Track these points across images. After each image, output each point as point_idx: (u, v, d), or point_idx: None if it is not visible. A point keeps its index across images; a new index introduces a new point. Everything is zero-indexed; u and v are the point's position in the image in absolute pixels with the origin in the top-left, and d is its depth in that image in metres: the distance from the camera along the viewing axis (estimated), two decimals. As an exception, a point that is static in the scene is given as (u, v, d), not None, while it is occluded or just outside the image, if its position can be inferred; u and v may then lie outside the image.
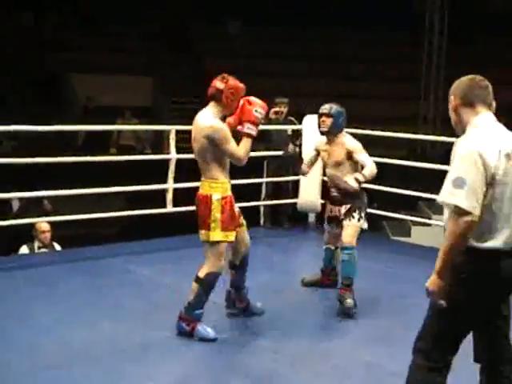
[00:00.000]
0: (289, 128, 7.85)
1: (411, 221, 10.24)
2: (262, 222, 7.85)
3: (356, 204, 5.19)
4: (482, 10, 16.90)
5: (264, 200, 7.84)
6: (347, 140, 5.25)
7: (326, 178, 7.38)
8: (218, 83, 4.34)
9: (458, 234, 2.72)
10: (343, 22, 16.20)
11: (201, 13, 16.78)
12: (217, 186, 4.36)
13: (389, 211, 7.74)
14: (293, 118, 7.91)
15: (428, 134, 11.85)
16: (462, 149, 2.79)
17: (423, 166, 7.24)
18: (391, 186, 7.41)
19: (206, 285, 4.39)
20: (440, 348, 2.87)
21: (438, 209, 9.38)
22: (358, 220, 5.15)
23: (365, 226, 5.23)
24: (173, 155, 6.86)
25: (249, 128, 4.35)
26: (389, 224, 11.47)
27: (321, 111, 5.27)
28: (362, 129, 7.21)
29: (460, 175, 2.74)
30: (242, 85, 4.41)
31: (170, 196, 6.83)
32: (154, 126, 11.98)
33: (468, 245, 2.77)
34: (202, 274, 4.41)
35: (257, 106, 4.37)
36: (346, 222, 5.17)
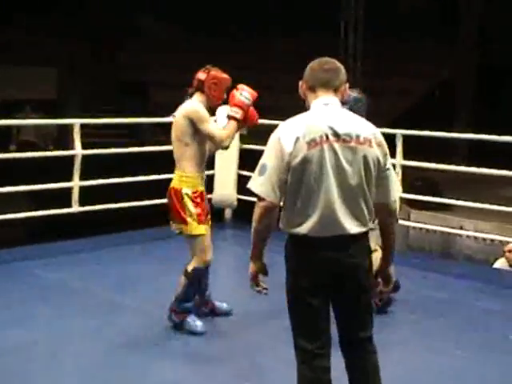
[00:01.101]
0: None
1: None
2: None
3: None
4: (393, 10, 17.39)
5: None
6: None
7: (242, 172, 7.53)
8: (200, 74, 4.51)
9: (256, 219, 2.92)
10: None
11: (112, 5, 16.59)
12: (186, 180, 4.49)
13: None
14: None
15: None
16: (271, 136, 2.94)
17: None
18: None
19: (192, 279, 4.54)
20: (299, 336, 2.95)
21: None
22: None
23: None
24: (78, 151, 6.69)
25: (233, 111, 4.48)
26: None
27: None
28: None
29: (263, 162, 2.91)
30: (225, 75, 4.53)
31: (75, 195, 6.65)
32: (56, 120, 11.69)
33: (286, 230, 2.94)
34: (189, 267, 4.56)
35: (243, 91, 4.50)
36: None
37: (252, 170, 6.51)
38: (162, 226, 6.75)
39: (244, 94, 4.49)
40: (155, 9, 17.56)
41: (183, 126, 4.45)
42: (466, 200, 7.03)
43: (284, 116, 3.11)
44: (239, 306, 5.01)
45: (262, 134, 8.66)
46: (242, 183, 7.72)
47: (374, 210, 2.96)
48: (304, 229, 2.88)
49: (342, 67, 3.01)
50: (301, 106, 3.08)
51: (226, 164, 7.46)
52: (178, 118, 4.48)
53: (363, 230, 2.92)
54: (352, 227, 2.88)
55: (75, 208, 6.68)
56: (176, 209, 4.53)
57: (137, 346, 4.42)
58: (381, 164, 2.93)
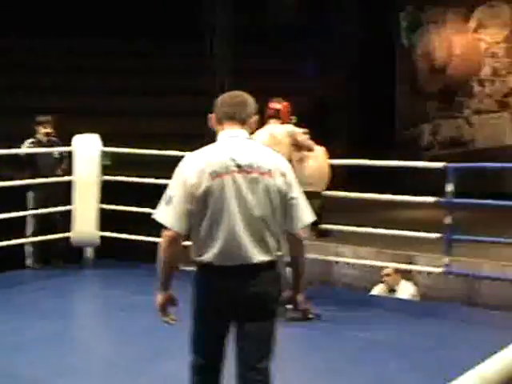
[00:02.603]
0: (55, 151, 7.52)
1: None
2: (28, 262, 7.41)
3: None
4: (263, 22, 17.69)
5: (29, 237, 7.45)
6: None
7: (104, 206, 7.30)
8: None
9: (162, 249, 3.13)
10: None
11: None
12: None
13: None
14: (56, 139, 7.55)
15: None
16: (177, 168, 3.15)
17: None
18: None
19: None
20: (195, 352, 3.21)
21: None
22: None
23: None
24: None
25: None
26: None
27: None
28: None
29: (169, 193, 3.12)
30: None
31: None
32: None
33: (193, 258, 3.13)
34: None
35: None
36: None
37: (116, 203, 6.35)
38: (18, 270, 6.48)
39: None
40: None
41: None
42: (344, 225, 7.14)
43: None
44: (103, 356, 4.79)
45: (126, 165, 8.55)
46: (104, 218, 7.50)
47: (282, 238, 3.18)
48: (208, 257, 3.08)
49: (250, 100, 3.22)
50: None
51: (86, 198, 7.22)
52: None
53: (269, 259, 3.10)
54: (256, 256, 3.07)
55: None
56: None
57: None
58: (284, 194, 3.13)
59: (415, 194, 6.76)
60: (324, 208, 6.49)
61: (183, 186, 3.08)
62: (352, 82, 15.54)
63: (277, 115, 5.96)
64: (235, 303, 3.10)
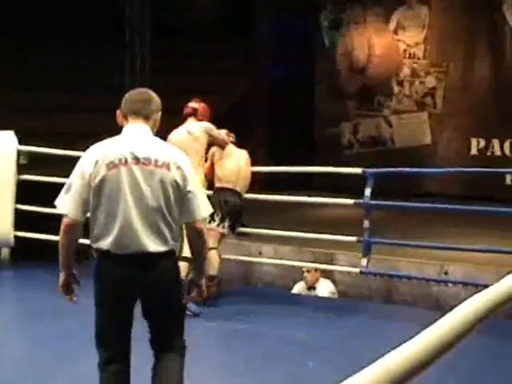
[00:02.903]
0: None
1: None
2: None
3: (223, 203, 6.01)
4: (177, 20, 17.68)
5: None
6: None
7: (20, 206, 7.21)
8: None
9: (61, 234, 3.34)
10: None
11: None
12: None
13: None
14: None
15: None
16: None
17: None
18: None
19: None
20: (100, 346, 3.38)
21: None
22: (218, 225, 5.97)
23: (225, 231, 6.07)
24: None
25: None
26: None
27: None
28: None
29: (70, 181, 3.34)
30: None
31: None
32: None
33: (92, 244, 3.34)
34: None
35: None
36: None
37: (32, 203, 6.35)
38: None
39: None
40: None
41: None
42: (265, 225, 7.23)
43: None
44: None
45: (43, 163, 8.43)
46: (20, 218, 7.39)
47: (179, 228, 3.37)
48: (105, 244, 3.27)
49: (154, 98, 3.45)
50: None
51: (1, 197, 7.12)
52: None
53: (164, 248, 3.28)
54: (151, 245, 3.25)
55: None
56: None
57: None
58: (180, 186, 3.31)
59: (336, 194, 6.91)
60: (244, 209, 6.57)
61: (81, 175, 3.29)
62: (271, 81, 15.66)
63: (195, 113, 6.29)
64: (134, 291, 3.31)
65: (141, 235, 3.25)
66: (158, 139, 3.44)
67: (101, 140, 3.43)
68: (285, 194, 7.95)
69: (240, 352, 5.16)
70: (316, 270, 7.50)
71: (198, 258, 3.52)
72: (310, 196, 8.46)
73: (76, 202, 3.29)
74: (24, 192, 7.31)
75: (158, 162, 3.28)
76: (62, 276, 3.40)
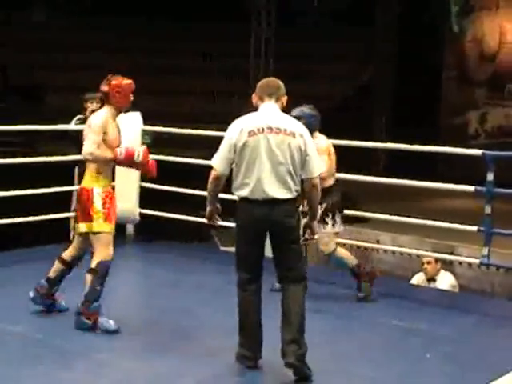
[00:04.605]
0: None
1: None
2: (71, 236, 7.55)
3: (328, 204, 5.82)
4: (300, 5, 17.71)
5: (74, 211, 7.54)
6: (318, 141, 5.66)
7: (144, 184, 7.41)
8: (102, 86, 5.06)
9: (209, 181, 4.45)
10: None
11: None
12: (98, 179, 5.02)
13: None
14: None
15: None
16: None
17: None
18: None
19: (100, 274, 4.94)
20: (239, 269, 4.42)
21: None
22: (333, 225, 5.88)
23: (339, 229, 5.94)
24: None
25: (121, 153, 5.02)
26: (217, 232, 11.55)
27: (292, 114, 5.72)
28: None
29: (220, 146, 4.41)
30: (127, 81, 5.10)
31: None
32: None
33: (235, 193, 4.39)
34: (93, 264, 4.95)
35: (140, 155, 5.05)
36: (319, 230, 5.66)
37: (155, 182, 6.67)
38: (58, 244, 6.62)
39: (140, 156, 5.04)
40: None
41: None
42: (384, 213, 7.13)
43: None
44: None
45: (165, 142, 8.63)
46: (145, 196, 7.61)
47: (300, 182, 4.37)
48: (244, 192, 4.34)
49: (282, 85, 4.51)
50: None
51: (127, 175, 7.31)
52: (86, 132, 5.09)
53: (289, 196, 4.33)
54: (279, 193, 4.30)
55: None
56: (84, 207, 5.00)
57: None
58: (302, 150, 4.35)
59: (453, 183, 6.65)
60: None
61: (229, 140, 4.37)
62: (396, 67, 15.43)
63: None
64: (265, 226, 4.34)
65: (271, 185, 4.30)
66: (285, 114, 4.46)
67: (231, 121, 4.42)
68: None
69: (357, 340, 5.14)
70: (436, 261, 7.38)
71: (312, 205, 4.55)
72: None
73: (223, 160, 4.38)
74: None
75: (286, 131, 4.33)
76: (208, 208, 4.55)
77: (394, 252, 9.33)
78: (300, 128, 4.42)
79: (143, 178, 7.39)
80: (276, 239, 4.39)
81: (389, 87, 15.39)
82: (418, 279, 7.55)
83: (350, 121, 12.36)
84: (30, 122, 7.59)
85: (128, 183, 7.32)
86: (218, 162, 4.41)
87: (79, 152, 7.36)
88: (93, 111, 7.52)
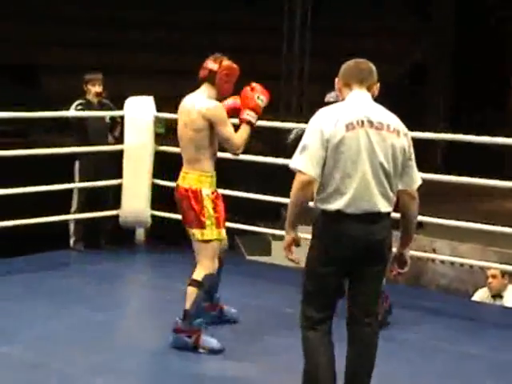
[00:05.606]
0: (106, 115, 7.69)
1: (272, 235, 10.33)
2: (71, 242, 7.63)
3: None
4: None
5: (75, 213, 7.62)
6: None
7: (157, 181, 7.42)
8: (210, 64, 5.04)
9: (295, 191, 3.85)
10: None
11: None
12: (206, 180, 5.05)
13: (242, 223, 7.76)
14: (108, 101, 7.76)
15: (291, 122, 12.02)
16: (311, 120, 3.92)
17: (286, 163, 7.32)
18: (245, 190, 7.47)
19: (205, 287, 5.04)
20: (310, 305, 3.96)
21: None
22: None
23: None
24: None
25: (249, 115, 5.06)
26: (243, 240, 11.56)
27: (327, 100, 5.76)
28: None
29: (304, 143, 3.86)
30: (236, 66, 5.10)
31: None
32: None
33: (319, 207, 3.90)
34: (198, 276, 5.03)
35: (259, 93, 5.10)
36: None
37: (171, 178, 6.52)
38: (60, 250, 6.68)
39: (261, 97, 5.10)
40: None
41: (199, 127, 4.99)
42: (440, 217, 7.09)
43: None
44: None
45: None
46: (157, 195, 7.60)
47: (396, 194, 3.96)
48: (337, 204, 3.85)
49: (374, 69, 4.03)
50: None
51: (137, 171, 7.33)
52: (190, 122, 5.00)
53: (389, 209, 3.92)
54: (381, 206, 3.88)
55: None
56: (194, 211, 5.01)
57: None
58: (406, 153, 3.95)
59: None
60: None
61: (320, 134, 3.82)
62: (454, 44, 15.40)
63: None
64: (361, 248, 3.87)
65: (375, 196, 3.87)
66: (382, 107, 3.99)
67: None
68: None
69: (410, 365, 5.14)
70: (503, 274, 7.33)
71: (410, 226, 4.08)
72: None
73: (313, 160, 3.83)
74: (160, 165, 7.50)
75: (389, 127, 3.90)
76: (287, 237, 3.98)
77: (452, 263, 9.29)
78: (403, 125, 4.00)
79: (155, 174, 7.41)
80: (363, 265, 3.95)
81: (447, 66, 15.33)
82: (482, 295, 7.51)
83: (400, 106, 12.30)
84: (22, 109, 7.55)
85: (137, 180, 7.32)
86: (307, 164, 3.83)
87: (81, 143, 7.49)
88: (97, 94, 7.64)
